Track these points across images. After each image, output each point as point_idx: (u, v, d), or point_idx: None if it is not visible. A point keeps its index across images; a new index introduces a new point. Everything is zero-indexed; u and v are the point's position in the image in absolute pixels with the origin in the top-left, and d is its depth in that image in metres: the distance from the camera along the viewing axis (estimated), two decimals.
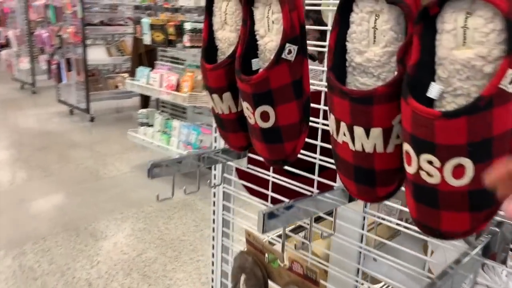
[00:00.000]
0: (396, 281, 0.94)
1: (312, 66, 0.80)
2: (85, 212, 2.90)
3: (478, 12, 0.45)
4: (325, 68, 0.91)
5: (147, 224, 2.76)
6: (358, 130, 0.54)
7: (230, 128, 0.76)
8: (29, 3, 5.91)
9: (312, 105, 0.71)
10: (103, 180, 3.44)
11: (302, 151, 0.94)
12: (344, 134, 0.56)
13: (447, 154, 0.46)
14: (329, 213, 1.50)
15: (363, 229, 0.98)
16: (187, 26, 3.03)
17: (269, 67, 0.62)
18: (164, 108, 3.86)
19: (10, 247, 2.46)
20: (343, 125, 0.56)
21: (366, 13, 0.55)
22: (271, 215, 0.73)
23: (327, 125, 0.89)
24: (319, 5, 0.90)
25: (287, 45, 0.62)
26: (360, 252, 0.99)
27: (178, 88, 3.26)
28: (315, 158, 0.97)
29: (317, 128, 0.92)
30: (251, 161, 1.11)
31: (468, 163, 0.45)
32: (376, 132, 0.54)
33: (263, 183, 1.12)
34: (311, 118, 0.73)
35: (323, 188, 1.01)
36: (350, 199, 0.84)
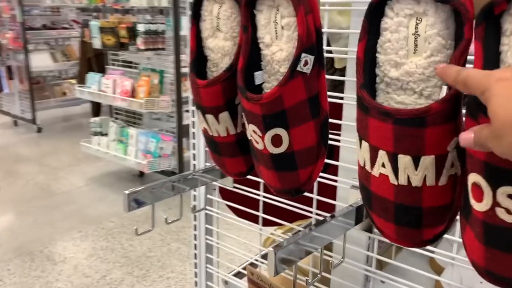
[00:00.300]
0: None
1: None
2: (39, 233, 2.66)
3: None
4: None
5: (110, 242, 2.57)
6: (404, 160, 0.45)
7: (228, 153, 0.64)
8: None
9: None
10: (56, 196, 3.20)
11: None
12: (383, 165, 0.46)
13: None
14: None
15: (368, 250, 0.89)
16: (140, 27, 2.86)
17: (283, 83, 0.51)
18: (118, 115, 3.65)
19: None
20: (382, 154, 0.46)
21: (404, 17, 0.46)
22: (281, 253, 0.62)
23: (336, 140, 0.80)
24: None
25: (303, 55, 0.52)
26: (367, 275, 0.90)
27: (133, 93, 3.08)
28: None
29: None
30: (237, 179, 1.00)
31: None
32: (428, 161, 0.45)
33: (251, 203, 1.01)
34: None
35: (321, 207, 0.92)
36: (357, 221, 0.75)
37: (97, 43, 3.16)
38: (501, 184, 0.38)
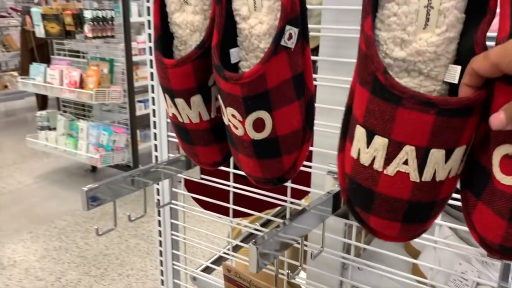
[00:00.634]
0: None
1: None
2: None
3: None
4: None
5: (63, 242, 2.44)
6: (437, 155, 0.39)
7: (201, 141, 0.58)
8: None
9: None
10: (3, 196, 3.00)
11: None
12: (406, 163, 0.40)
13: None
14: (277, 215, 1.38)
15: (345, 237, 0.86)
16: (87, 14, 2.70)
17: (265, 60, 0.46)
18: (67, 108, 3.46)
19: None
20: (408, 151, 0.40)
21: None
22: (263, 248, 0.57)
23: None
24: None
25: (287, 27, 0.46)
26: (343, 263, 0.86)
27: (82, 84, 2.92)
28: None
29: None
30: (203, 170, 0.94)
31: None
32: (460, 152, 0.40)
33: (220, 194, 0.95)
34: None
35: (294, 195, 0.88)
36: (335, 209, 0.72)
37: (40, 32, 2.97)
38: None
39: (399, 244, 1.03)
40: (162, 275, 1.08)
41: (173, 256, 1.05)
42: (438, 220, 0.73)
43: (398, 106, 0.39)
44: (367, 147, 0.42)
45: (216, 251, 1.12)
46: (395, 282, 0.85)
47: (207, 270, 1.11)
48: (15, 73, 4.64)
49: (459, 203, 0.46)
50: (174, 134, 0.64)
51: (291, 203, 0.87)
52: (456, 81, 0.40)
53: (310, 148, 0.81)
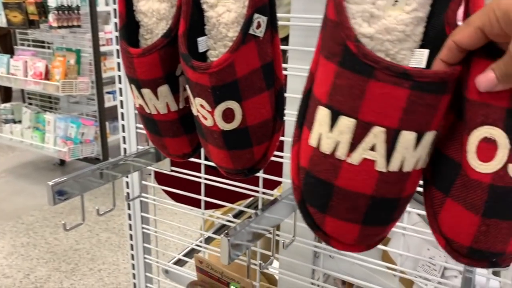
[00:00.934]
0: (358, 278, 0.85)
1: None
2: None
3: None
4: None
5: (31, 237, 2.38)
6: (408, 138, 0.36)
7: (170, 132, 0.57)
8: None
9: None
10: None
11: None
12: (373, 148, 0.37)
13: None
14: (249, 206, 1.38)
15: None
16: (51, 3, 2.61)
17: (234, 48, 0.45)
18: (32, 100, 3.36)
19: None
20: (377, 133, 0.36)
21: None
22: (234, 239, 0.57)
23: None
24: None
25: (256, 15, 0.45)
26: (315, 252, 0.87)
27: (47, 76, 2.83)
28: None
29: None
30: (174, 162, 0.92)
31: None
32: (430, 138, 0.38)
33: (192, 186, 0.94)
34: None
35: (267, 185, 0.87)
36: None
37: (1, 21, 2.86)
38: None
39: None
40: (133, 268, 1.07)
41: (144, 249, 1.04)
42: (407, 207, 0.74)
43: (370, 79, 0.36)
44: (330, 131, 0.38)
45: (188, 244, 1.11)
46: (365, 269, 0.86)
47: (180, 262, 1.10)
48: None
49: None
50: (142, 126, 0.63)
51: (264, 193, 0.87)
52: (424, 65, 0.39)
53: (282, 138, 0.81)
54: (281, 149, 0.82)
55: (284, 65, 0.76)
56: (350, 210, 0.40)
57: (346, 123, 0.37)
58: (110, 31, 3.02)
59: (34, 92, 3.22)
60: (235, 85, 0.46)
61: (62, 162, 3.27)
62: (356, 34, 0.37)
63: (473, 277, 0.57)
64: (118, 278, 2.08)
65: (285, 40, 0.83)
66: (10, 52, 3.27)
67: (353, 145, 0.38)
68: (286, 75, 0.78)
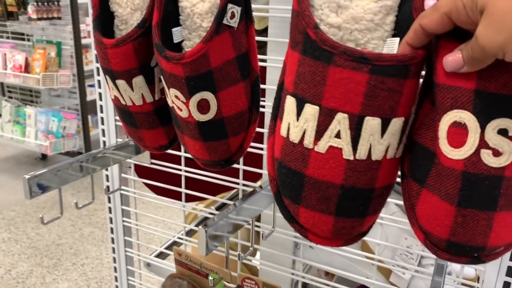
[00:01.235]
0: (338, 268, 0.86)
1: None
2: None
3: None
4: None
5: (12, 233, 2.34)
6: (372, 124, 0.36)
7: (146, 124, 0.56)
8: None
9: None
10: None
11: None
12: (338, 135, 0.37)
13: None
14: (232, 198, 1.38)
15: None
16: None
17: (207, 39, 0.44)
18: (12, 94, 3.30)
19: None
20: (341, 119, 0.36)
21: None
22: (212, 230, 0.57)
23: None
24: None
25: (229, 6, 0.45)
26: (296, 242, 0.88)
27: (27, 68, 2.79)
28: None
29: None
30: (154, 154, 0.92)
31: None
32: (398, 124, 0.37)
33: (172, 179, 0.94)
34: None
35: (249, 177, 0.87)
36: None
37: None
38: (493, 116, 0.33)
39: None
40: (115, 262, 1.06)
41: (125, 242, 1.03)
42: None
43: (329, 65, 0.36)
44: (297, 119, 0.38)
45: (171, 237, 1.11)
46: (345, 258, 0.87)
47: (162, 255, 1.10)
48: None
49: None
50: (119, 118, 0.62)
51: (245, 185, 0.87)
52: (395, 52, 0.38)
53: (261, 130, 0.81)
54: (261, 141, 0.82)
55: (263, 57, 0.76)
56: (321, 201, 0.39)
57: (311, 111, 0.37)
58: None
59: (14, 85, 3.16)
60: (209, 76, 0.46)
61: (44, 157, 3.22)
62: (316, 22, 0.37)
63: (445, 264, 0.58)
64: (102, 273, 2.07)
65: (265, 32, 0.83)
66: None
67: (319, 133, 0.38)
68: (265, 67, 0.78)
